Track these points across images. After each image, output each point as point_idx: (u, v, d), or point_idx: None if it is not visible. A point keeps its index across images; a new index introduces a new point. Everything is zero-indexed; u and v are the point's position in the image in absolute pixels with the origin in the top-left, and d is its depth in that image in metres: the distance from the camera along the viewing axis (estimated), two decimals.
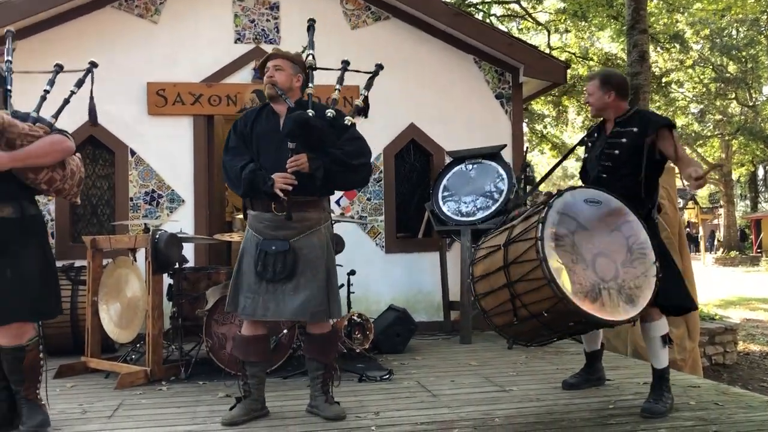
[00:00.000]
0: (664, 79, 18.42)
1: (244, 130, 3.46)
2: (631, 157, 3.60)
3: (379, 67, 3.83)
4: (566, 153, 4.28)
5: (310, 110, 3.35)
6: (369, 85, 3.78)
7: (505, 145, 6.39)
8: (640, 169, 3.55)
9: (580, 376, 4.13)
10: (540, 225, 3.13)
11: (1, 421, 3.24)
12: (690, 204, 27.62)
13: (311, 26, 4.00)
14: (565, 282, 3.08)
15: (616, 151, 3.65)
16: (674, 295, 3.49)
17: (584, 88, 4.02)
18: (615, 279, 3.20)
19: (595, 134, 3.89)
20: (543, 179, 4.28)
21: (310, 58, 3.73)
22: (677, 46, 17.89)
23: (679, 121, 22.65)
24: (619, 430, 3.19)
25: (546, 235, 3.12)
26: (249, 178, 3.30)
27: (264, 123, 3.46)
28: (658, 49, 17.72)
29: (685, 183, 3.38)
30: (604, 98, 3.74)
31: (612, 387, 4.07)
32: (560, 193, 3.31)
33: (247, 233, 3.48)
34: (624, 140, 3.64)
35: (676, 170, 4.53)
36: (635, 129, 3.62)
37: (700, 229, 29.25)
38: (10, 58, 3.39)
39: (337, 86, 3.72)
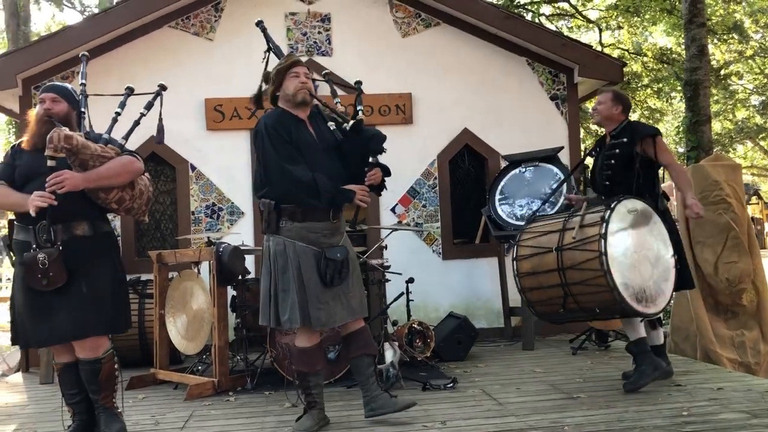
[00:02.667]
0: (722, 72, 17.84)
1: (289, 136, 3.40)
2: (625, 165, 4.15)
3: (359, 83, 4.03)
4: (576, 165, 4.76)
5: (351, 121, 3.51)
6: (359, 102, 3.91)
7: (562, 147, 6.29)
8: (633, 175, 4.11)
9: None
10: (603, 240, 3.65)
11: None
12: (754, 199, 26.66)
13: (264, 29, 4.12)
14: (622, 287, 3.63)
15: (613, 161, 4.20)
16: None
17: (595, 99, 4.49)
18: (651, 277, 3.80)
19: (598, 147, 4.42)
20: (558, 187, 4.93)
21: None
22: (736, 37, 17.31)
23: (740, 114, 21.93)
24: None
25: (608, 249, 3.63)
26: (331, 192, 3.34)
27: (303, 132, 3.46)
28: (716, 41, 17.19)
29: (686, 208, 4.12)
30: (612, 110, 4.25)
31: (684, 392, 3.95)
32: (612, 206, 3.77)
33: (292, 246, 3.35)
34: (617, 151, 4.18)
35: (743, 167, 4.81)
36: (625, 139, 4.17)
37: (766, 225, 28.17)
38: (84, 81, 3.51)
39: (337, 99, 3.89)
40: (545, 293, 3.90)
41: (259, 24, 4.18)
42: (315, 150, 3.42)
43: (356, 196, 3.38)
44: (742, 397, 3.77)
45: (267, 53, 3.93)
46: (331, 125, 3.56)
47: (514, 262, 4.03)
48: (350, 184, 3.42)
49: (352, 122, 3.44)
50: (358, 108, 3.79)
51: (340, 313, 3.40)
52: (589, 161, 4.71)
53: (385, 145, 3.56)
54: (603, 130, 4.52)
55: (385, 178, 3.64)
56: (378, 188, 3.61)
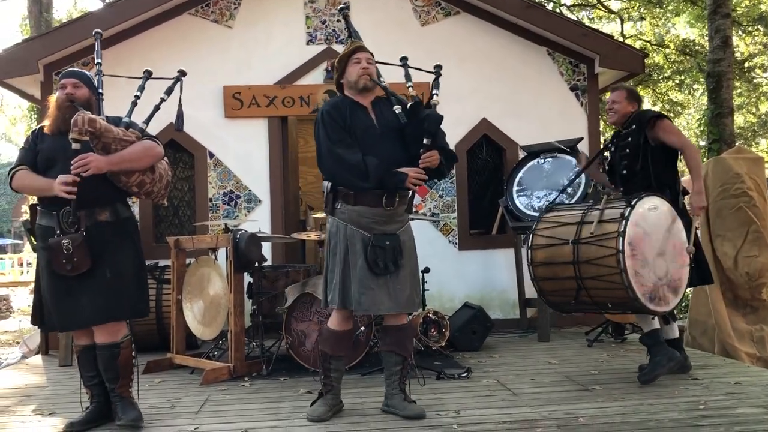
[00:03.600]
0: (746, 64, 17.55)
1: (344, 122, 3.39)
2: (638, 152, 4.11)
3: (438, 67, 3.82)
4: (593, 158, 4.61)
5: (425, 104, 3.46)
6: (436, 86, 3.75)
7: (582, 138, 6.23)
8: (650, 162, 4.08)
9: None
10: (621, 238, 3.63)
11: (98, 414, 3.39)
12: None
13: (346, 16, 4.04)
14: (636, 285, 3.62)
15: (627, 151, 4.17)
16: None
17: (608, 98, 4.38)
18: (666, 275, 3.78)
19: (614, 140, 4.39)
20: (575, 177, 4.90)
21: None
22: (761, 29, 17.01)
23: (764, 108, 21.58)
24: None
25: (626, 247, 3.61)
26: (380, 174, 3.27)
27: (360, 117, 3.42)
28: (740, 32, 16.90)
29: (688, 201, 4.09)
30: (628, 108, 4.25)
31: (701, 386, 3.92)
32: (633, 204, 3.73)
33: (343, 229, 3.37)
34: (630, 139, 4.16)
35: (766, 160, 4.77)
36: (633, 126, 4.16)
37: None
38: (99, 61, 3.52)
39: (409, 84, 3.75)
40: (558, 284, 3.93)
41: (342, 10, 4.14)
42: (373, 134, 3.39)
43: (408, 179, 3.29)
44: (760, 392, 3.73)
45: (348, 40, 3.90)
46: (398, 109, 3.47)
47: (529, 251, 4.04)
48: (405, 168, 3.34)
49: (410, 103, 3.36)
50: (433, 92, 3.70)
51: (386, 303, 3.35)
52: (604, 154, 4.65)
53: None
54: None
55: (453, 164, 3.59)
56: (437, 173, 3.48)
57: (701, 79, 14.41)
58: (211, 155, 6.40)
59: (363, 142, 3.37)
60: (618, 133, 4.38)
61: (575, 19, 15.51)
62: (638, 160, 4.13)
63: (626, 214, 3.68)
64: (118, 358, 3.28)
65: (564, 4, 16.62)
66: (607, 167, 4.48)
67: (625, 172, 4.21)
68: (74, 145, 3.10)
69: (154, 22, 6.37)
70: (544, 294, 4.05)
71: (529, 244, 4.06)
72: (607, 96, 4.66)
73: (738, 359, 5.26)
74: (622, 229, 3.64)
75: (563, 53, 6.70)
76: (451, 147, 6.30)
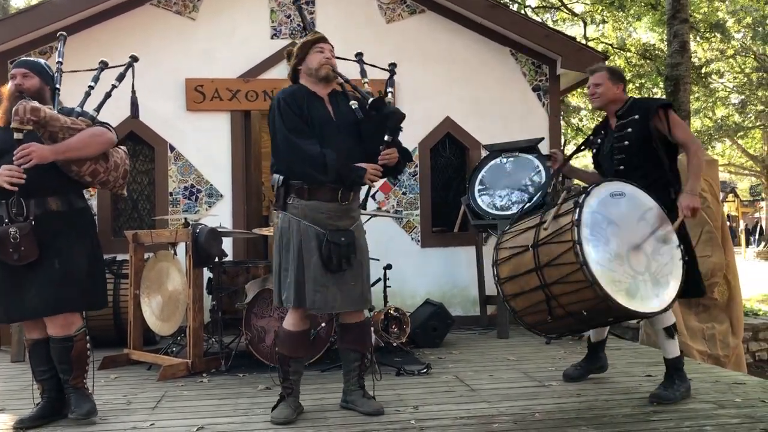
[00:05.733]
0: (703, 70, 18.00)
1: (301, 111, 3.31)
2: (641, 145, 3.65)
3: (393, 65, 3.84)
4: (572, 153, 4.25)
5: (387, 100, 3.46)
6: (391, 84, 3.78)
7: (543, 138, 6.31)
8: (652, 156, 3.62)
9: (581, 367, 4.16)
10: (575, 228, 3.09)
11: (50, 410, 3.32)
12: (730, 197, 26.99)
13: (300, 8, 4.06)
14: (606, 282, 3.06)
15: (626, 142, 3.70)
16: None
17: (589, 81, 3.93)
18: (648, 270, 3.23)
19: (602, 131, 3.94)
20: (550, 179, 4.46)
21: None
22: (718, 35, 17.45)
23: (720, 112, 22.15)
24: (662, 426, 3.14)
25: (583, 238, 3.09)
26: (336, 167, 3.21)
27: (317, 108, 3.35)
28: (698, 38, 17.32)
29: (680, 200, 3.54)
30: (613, 89, 3.79)
31: (654, 383, 3.99)
32: (588, 191, 3.25)
33: (296, 224, 3.28)
34: (630, 130, 3.70)
35: (719, 163, 4.67)
36: (636, 116, 3.69)
37: (741, 222, 28.56)
38: (61, 60, 3.46)
39: (365, 80, 3.75)
40: (527, 299, 3.34)
41: (296, 2, 4.07)
42: (330, 127, 3.33)
43: (366, 174, 3.26)
44: (710, 388, 3.84)
45: (304, 32, 3.86)
46: (354, 104, 3.41)
47: (494, 267, 3.50)
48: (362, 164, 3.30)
49: (371, 99, 3.31)
50: (388, 90, 3.71)
51: (341, 301, 3.30)
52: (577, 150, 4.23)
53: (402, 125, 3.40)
54: (597, 114, 4.22)
55: (406, 163, 3.56)
56: (394, 170, 3.47)
57: (660, 83, 14.72)
58: (172, 148, 6.31)
59: (319, 134, 3.30)
60: (604, 125, 3.94)
61: (539, 20, 15.69)
62: (639, 153, 3.66)
63: (581, 201, 3.17)
64: (71, 352, 3.22)
65: (528, 6, 16.80)
66: (593, 162, 4.08)
67: (622, 167, 3.72)
68: (16, 135, 3.02)
69: (114, 12, 6.25)
70: (519, 315, 3.42)
71: (494, 260, 3.52)
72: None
73: (690, 356, 5.39)
74: (575, 218, 3.11)
75: (526, 54, 6.78)
76: (415, 145, 6.51)
